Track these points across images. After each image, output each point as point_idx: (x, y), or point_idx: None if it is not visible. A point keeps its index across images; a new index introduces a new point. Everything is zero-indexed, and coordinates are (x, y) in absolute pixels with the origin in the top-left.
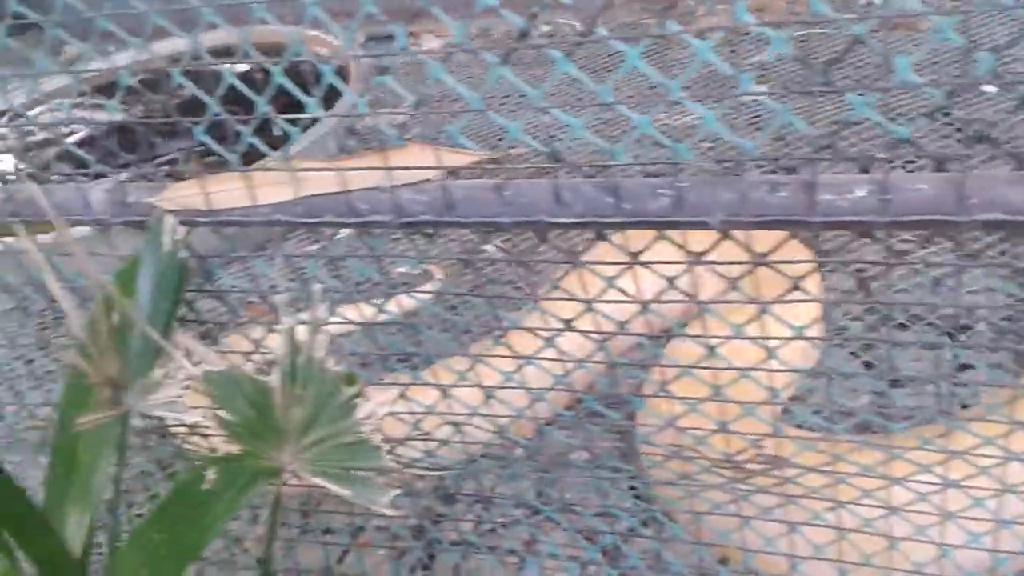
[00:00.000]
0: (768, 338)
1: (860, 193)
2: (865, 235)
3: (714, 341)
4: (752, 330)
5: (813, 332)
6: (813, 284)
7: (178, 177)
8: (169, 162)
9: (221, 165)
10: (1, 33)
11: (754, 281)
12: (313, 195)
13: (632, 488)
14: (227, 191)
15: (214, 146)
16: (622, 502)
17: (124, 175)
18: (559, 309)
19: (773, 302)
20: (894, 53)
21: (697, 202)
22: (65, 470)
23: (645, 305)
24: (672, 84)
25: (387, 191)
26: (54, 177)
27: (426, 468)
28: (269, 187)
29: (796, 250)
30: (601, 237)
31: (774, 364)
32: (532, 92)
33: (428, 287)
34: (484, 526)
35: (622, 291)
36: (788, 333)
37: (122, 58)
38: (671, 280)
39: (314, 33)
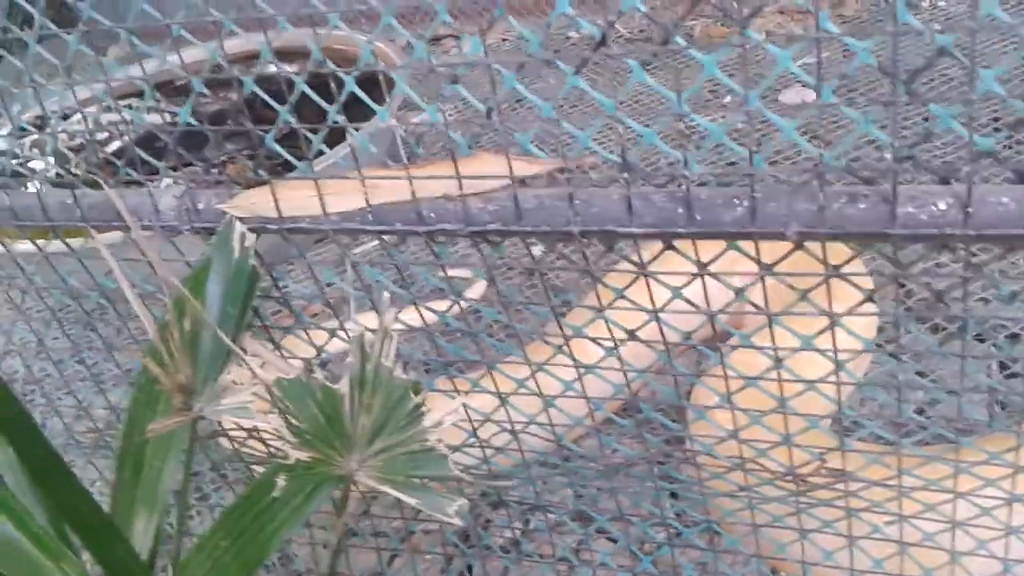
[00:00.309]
0: (838, 350)
1: (941, 206)
2: (943, 248)
3: (781, 352)
4: (813, 341)
5: (869, 342)
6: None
7: (237, 181)
8: (221, 163)
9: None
10: (74, 41)
11: (822, 292)
12: (382, 203)
13: (673, 496)
14: (295, 198)
15: (284, 153)
16: (673, 512)
17: (168, 180)
18: (617, 317)
19: (844, 314)
20: (979, 63)
21: (773, 213)
22: (133, 474)
23: (712, 316)
24: (751, 95)
25: (456, 200)
26: (102, 180)
27: (481, 475)
28: (338, 194)
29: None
30: (670, 247)
31: (842, 376)
32: (606, 102)
33: (472, 292)
34: (533, 532)
35: (689, 301)
36: (846, 342)
37: (170, 61)
38: (739, 291)
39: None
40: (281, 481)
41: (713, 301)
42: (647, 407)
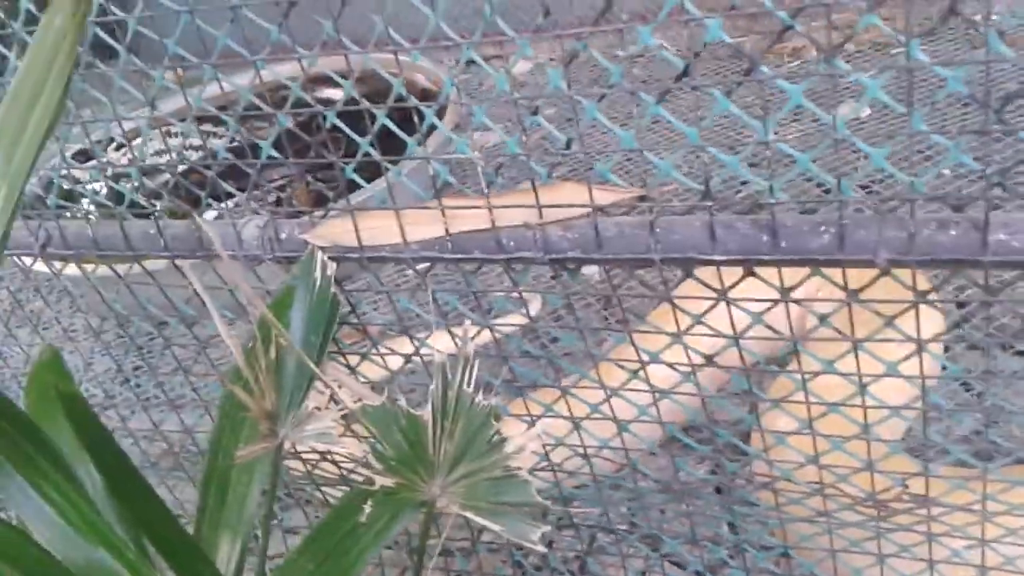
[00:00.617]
0: (921, 376)
1: None
2: None
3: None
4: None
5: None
6: (938, 320)
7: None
8: (280, 188)
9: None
10: (159, 76)
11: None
12: (462, 231)
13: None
14: (374, 227)
15: (360, 181)
16: (744, 535)
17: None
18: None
19: (931, 340)
20: None
21: (862, 240)
22: (218, 498)
23: (796, 342)
24: (838, 122)
25: (535, 228)
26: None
27: (551, 498)
28: (416, 224)
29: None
30: (751, 274)
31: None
32: (691, 131)
33: (531, 309)
34: (599, 552)
35: (770, 327)
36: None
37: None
38: (824, 317)
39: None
40: (367, 507)
41: (779, 323)
42: (725, 432)
